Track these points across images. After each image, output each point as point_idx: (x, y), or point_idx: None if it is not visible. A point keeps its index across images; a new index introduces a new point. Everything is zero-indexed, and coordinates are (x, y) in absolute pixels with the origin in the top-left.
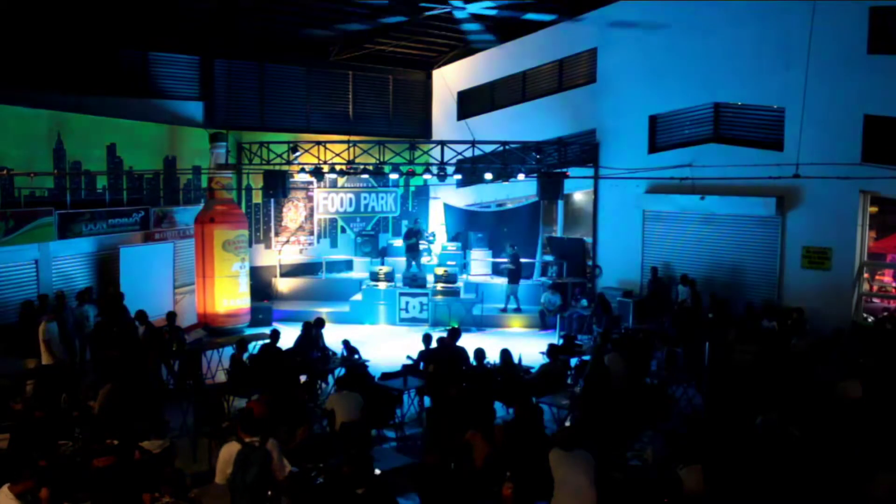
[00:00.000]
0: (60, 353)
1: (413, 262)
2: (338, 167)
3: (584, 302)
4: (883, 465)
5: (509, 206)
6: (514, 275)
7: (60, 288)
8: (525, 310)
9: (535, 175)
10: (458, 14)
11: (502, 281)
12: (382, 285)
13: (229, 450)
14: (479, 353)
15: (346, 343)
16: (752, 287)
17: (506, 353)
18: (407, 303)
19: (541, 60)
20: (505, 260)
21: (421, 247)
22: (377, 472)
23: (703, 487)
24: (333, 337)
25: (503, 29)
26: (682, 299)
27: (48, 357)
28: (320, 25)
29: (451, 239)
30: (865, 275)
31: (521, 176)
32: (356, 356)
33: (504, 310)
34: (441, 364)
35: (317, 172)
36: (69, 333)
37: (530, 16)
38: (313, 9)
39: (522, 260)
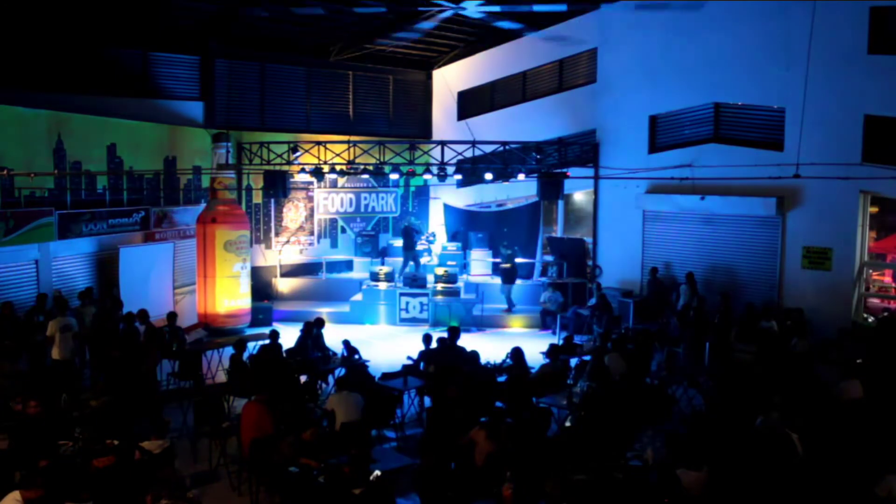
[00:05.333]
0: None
1: (411, 262)
2: (338, 167)
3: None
4: (888, 468)
5: (509, 206)
6: (510, 275)
7: (59, 288)
8: (525, 310)
9: (535, 175)
10: (443, 14)
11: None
12: (382, 285)
13: None
14: (475, 355)
15: (346, 343)
16: (753, 287)
17: (518, 352)
18: (407, 303)
19: (541, 60)
20: (498, 260)
21: (420, 247)
22: (378, 472)
23: (702, 488)
24: (334, 337)
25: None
26: (685, 301)
27: (58, 353)
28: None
29: (451, 239)
30: (872, 275)
31: (521, 176)
32: (356, 356)
33: (508, 310)
34: (441, 364)
35: (317, 172)
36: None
37: (503, 23)
38: None
39: (522, 260)
